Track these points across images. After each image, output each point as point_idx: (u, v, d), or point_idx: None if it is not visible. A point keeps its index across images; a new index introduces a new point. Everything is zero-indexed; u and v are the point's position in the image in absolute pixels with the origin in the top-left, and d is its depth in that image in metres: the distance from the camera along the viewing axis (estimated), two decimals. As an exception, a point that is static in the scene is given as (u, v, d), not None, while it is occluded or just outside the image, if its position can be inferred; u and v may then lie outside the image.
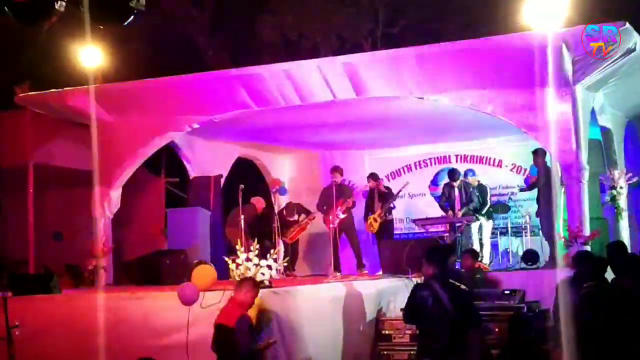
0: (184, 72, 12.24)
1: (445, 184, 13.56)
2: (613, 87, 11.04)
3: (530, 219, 13.52)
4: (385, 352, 9.60)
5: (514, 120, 10.71)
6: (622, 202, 11.83)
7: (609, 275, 7.91)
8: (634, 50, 9.82)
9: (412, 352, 8.89)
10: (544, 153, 11.89)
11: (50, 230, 14.83)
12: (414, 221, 14.21)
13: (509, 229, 13.95)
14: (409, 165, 15.59)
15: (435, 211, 13.99)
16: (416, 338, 7.99)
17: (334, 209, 12.69)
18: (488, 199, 13.34)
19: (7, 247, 14.55)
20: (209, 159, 14.33)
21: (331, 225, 12.67)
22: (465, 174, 13.56)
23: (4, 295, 8.19)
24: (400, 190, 13.58)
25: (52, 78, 14.09)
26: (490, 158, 15.01)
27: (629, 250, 9.46)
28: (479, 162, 14.99)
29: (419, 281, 8.93)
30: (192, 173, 14.16)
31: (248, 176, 15.03)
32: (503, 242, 14.04)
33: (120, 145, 12.34)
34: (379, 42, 21.14)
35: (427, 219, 13.79)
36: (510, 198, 14.52)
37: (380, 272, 12.22)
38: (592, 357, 7.03)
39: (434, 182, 15.31)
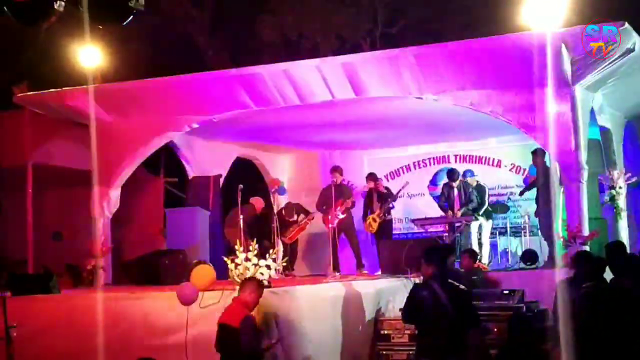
0: (183, 72, 12.24)
1: (445, 184, 13.56)
2: (612, 88, 11.04)
3: (529, 219, 13.52)
4: (384, 352, 9.60)
5: (514, 120, 10.72)
6: (621, 202, 11.84)
7: (608, 275, 7.91)
8: (633, 50, 9.82)
9: (411, 352, 8.89)
10: (543, 153, 11.89)
11: (50, 230, 14.82)
12: (413, 221, 14.21)
13: (508, 229, 13.97)
14: (408, 165, 15.59)
15: (435, 211, 13.99)
16: (415, 338, 7.98)
17: (333, 209, 12.69)
18: (486, 199, 13.34)
19: (6, 247, 14.52)
20: (208, 159, 14.33)
21: (330, 225, 12.68)
22: (464, 175, 13.57)
23: (3, 295, 8.17)
24: (399, 191, 13.59)
25: (51, 78, 14.09)
26: (489, 158, 15.01)
27: (628, 250, 9.47)
28: (478, 162, 14.99)
29: (418, 281, 8.92)
30: (191, 173, 14.17)
31: (247, 176, 15.03)
32: (502, 242, 14.04)
33: (119, 145, 12.33)
34: (378, 42, 21.15)
35: (426, 219, 13.79)
36: (509, 198, 14.53)
37: (379, 272, 12.22)
38: (591, 357, 7.03)
39: (433, 182, 15.31)
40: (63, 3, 5.77)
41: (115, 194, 12.46)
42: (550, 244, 11.64)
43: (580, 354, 6.95)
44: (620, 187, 11.78)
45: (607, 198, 11.90)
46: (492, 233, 13.53)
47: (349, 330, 9.29)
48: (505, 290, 9.82)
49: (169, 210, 14.03)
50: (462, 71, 10.60)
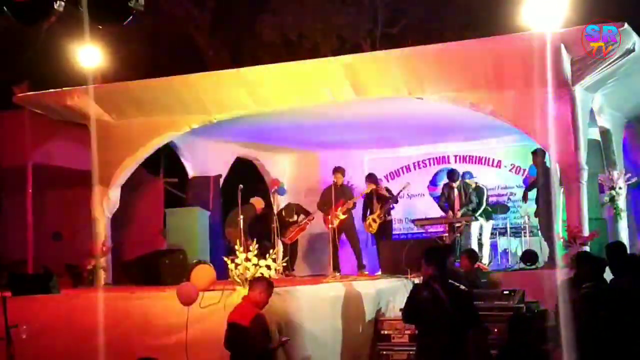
0: (183, 72, 12.24)
1: (445, 185, 13.55)
2: (612, 88, 11.04)
3: (529, 219, 13.51)
4: (384, 352, 9.60)
5: (513, 120, 10.72)
6: (621, 202, 11.83)
7: (608, 275, 7.91)
8: (633, 50, 9.83)
9: (411, 352, 8.89)
10: (543, 153, 11.89)
11: (50, 230, 14.80)
12: (413, 221, 14.20)
13: (508, 230, 13.96)
14: (408, 165, 15.58)
15: (435, 211, 13.99)
16: (415, 338, 7.98)
17: (334, 210, 12.69)
18: (484, 200, 13.31)
19: (6, 247, 14.52)
20: (208, 159, 14.34)
21: (330, 226, 12.67)
22: (463, 176, 13.54)
23: (3, 295, 8.17)
24: (400, 192, 13.58)
25: (51, 78, 14.08)
26: (489, 158, 15.00)
27: (628, 251, 9.46)
28: (478, 163, 14.98)
29: (418, 281, 8.92)
30: (191, 173, 14.17)
31: (247, 176, 15.02)
32: (502, 242, 14.03)
33: (119, 145, 12.35)
34: (378, 42, 21.13)
35: (426, 219, 13.78)
36: (509, 198, 14.53)
37: (380, 273, 12.22)
38: (591, 358, 7.03)
39: (433, 183, 15.30)
40: (63, 3, 5.77)
41: (115, 194, 12.47)
42: (551, 244, 11.64)
43: (581, 354, 6.95)
44: (620, 188, 11.77)
45: (607, 198, 11.89)
46: (492, 233, 13.53)
47: (349, 331, 9.29)
48: (506, 290, 9.81)
49: (169, 210, 14.04)
50: (462, 71, 10.60)
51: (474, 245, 12.78)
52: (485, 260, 12.86)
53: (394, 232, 14.21)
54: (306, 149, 15.64)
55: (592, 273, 7.68)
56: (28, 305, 9.21)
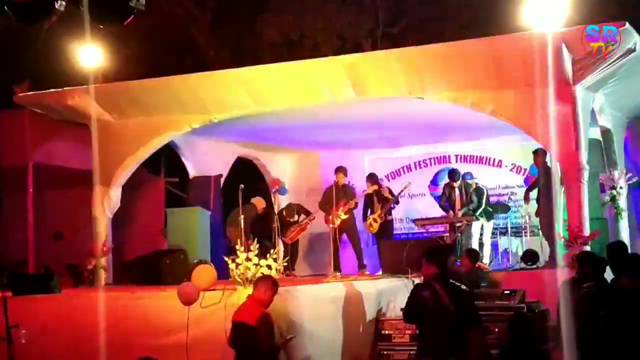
0: (184, 72, 12.24)
1: (446, 184, 13.55)
2: (613, 88, 11.03)
3: (530, 219, 13.51)
4: (385, 352, 9.59)
5: (514, 120, 10.71)
6: (622, 202, 11.83)
7: (608, 275, 7.91)
8: (633, 50, 9.82)
9: (412, 352, 8.89)
10: (544, 153, 11.89)
11: (50, 230, 14.81)
12: (413, 221, 14.20)
13: (509, 229, 13.95)
14: (409, 165, 15.58)
15: (435, 211, 13.99)
16: (416, 338, 7.97)
17: (335, 209, 12.68)
18: (483, 201, 13.30)
19: (7, 246, 14.53)
20: (209, 159, 14.33)
21: (331, 225, 12.67)
22: (464, 177, 13.54)
23: (4, 295, 8.17)
24: (401, 192, 13.57)
25: (52, 78, 14.09)
26: (490, 158, 15.00)
27: (629, 251, 9.46)
28: (479, 162, 14.98)
29: (419, 281, 8.92)
30: (192, 173, 14.17)
31: (248, 176, 15.02)
32: (503, 242, 14.02)
33: (120, 145, 12.35)
34: (379, 42, 21.13)
35: (427, 219, 13.77)
36: (510, 198, 14.52)
37: (380, 272, 12.22)
38: (592, 358, 7.03)
39: (434, 182, 15.30)
40: (64, 3, 5.77)
41: (116, 193, 12.47)
42: (551, 244, 11.63)
43: (581, 354, 6.95)
44: (621, 187, 11.77)
45: (607, 198, 11.89)
46: (493, 233, 13.52)
47: (349, 330, 9.29)
48: (506, 290, 9.80)
49: (170, 210, 14.04)
50: (462, 71, 10.59)
51: (475, 245, 12.79)
52: (486, 260, 12.86)
53: (394, 232, 14.23)
54: (307, 148, 15.63)
55: (595, 273, 7.67)
56: (29, 305, 9.22)
